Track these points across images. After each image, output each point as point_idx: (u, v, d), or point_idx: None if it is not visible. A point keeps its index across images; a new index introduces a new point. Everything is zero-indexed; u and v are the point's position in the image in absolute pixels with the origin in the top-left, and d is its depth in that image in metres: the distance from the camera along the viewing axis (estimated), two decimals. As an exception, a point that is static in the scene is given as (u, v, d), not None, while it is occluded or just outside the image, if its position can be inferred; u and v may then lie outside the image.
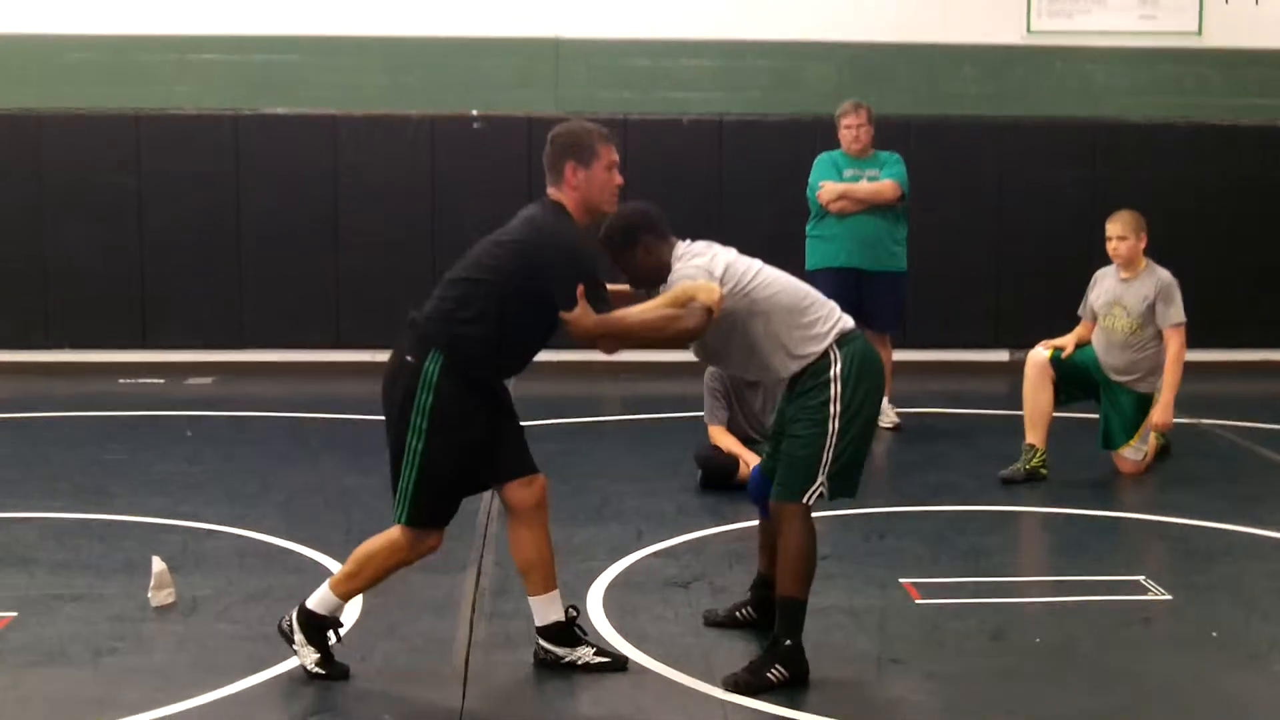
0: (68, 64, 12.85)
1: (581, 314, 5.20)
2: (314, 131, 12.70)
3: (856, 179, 10.07)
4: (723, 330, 5.54)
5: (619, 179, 5.44)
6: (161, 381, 12.39)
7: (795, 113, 12.77)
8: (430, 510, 5.42)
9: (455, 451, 5.36)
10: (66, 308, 12.81)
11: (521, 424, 5.66)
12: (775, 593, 5.59)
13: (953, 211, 12.81)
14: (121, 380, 12.37)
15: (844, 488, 5.59)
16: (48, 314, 12.81)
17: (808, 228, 10.24)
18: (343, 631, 5.65)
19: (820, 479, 5.48)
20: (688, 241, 5.70)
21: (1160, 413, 8.83)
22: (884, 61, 13.12)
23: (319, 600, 5.56)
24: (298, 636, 5.54)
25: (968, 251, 12.88)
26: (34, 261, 12.74)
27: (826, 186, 10.04)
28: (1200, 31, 13.32)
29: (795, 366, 5.56)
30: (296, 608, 5.60)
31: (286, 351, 12.92)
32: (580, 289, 5.16)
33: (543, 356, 12.63)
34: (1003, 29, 13.21)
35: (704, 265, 5.52)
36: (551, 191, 5.43)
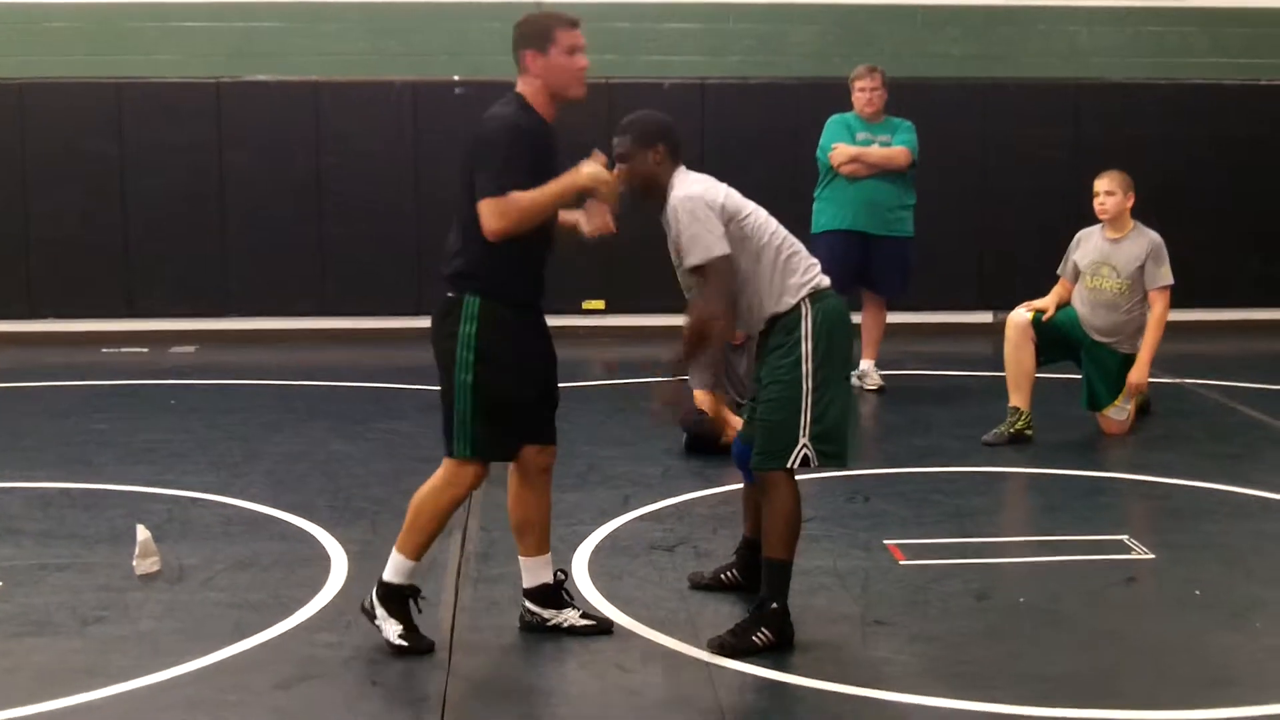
0: (50, 32, 12.79)
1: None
2: (297, 98, 12.66)
3: (868, 143, 10.06)
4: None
5: (582, 61, 5.39)
6: (145, 350, 12.36)
7: (778, 76, 12.75)
8: (489, 441, 5.41)
9: (505, 378, 5.36)
10: (50, 277, 12.78)
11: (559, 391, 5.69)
12: (761, 555, 5.60)
13: (936, 173, 12.74)
14: (105, 349, 12.34)
15: (833, 453, 5.58)
16: (31, 283, 12.77)
17: (816, 190, 10.23)
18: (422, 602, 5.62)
19: (801, 441, 5.48)
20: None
21: (1137, 372, 8.85)
22: (867, 24, 13.10)
23: (393, 568, 5.54)
24: (379, 611, 5.51)
25: (951, 213, 12.86)
26: (17, 230, 12.70)
27: (839, 149, 10.02)
28: (1183, -10, 13.34)
29: (770, 310, 5.54)
30: (375, 584, 5.58)
31: (272, 319, 12.90)
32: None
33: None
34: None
35: (703, 194, 5.50)
36: (518, 84, 5.41)
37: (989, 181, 13.09)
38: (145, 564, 6.39)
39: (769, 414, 5.54)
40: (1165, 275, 8.82)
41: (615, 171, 5.46)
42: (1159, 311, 8.81)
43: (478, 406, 5.35)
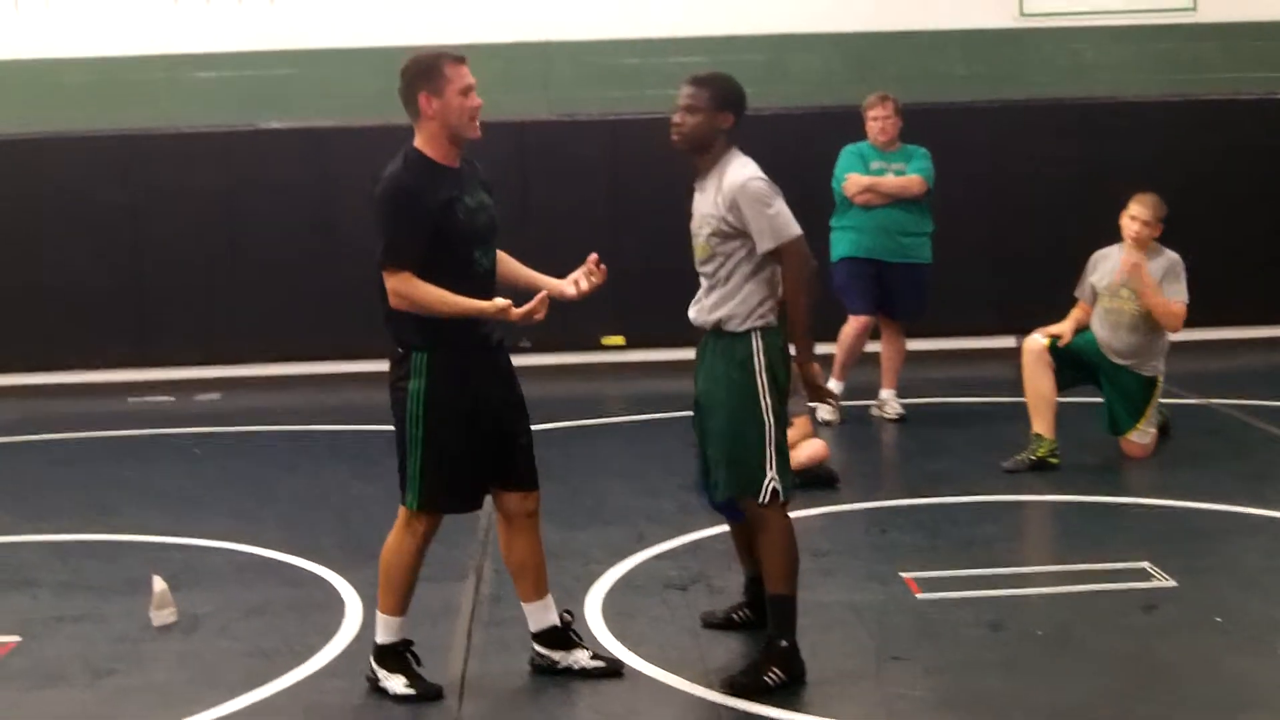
0: (62, 86, 12.83)
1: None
2: (307, 144, 12.69)
3: (883, 172, 10.04)
4: (732, 244, 5.50)
5: (476, 101, 5.33)
6: (171, 399, 12.38)
7: (785, 105, 12.72)
8: (439, 494, 5.40)
9: (456, 431, 5.34)
10: (70, 329, 12.79)
11: (531, 431, 5.64)
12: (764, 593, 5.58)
13: (948, 197, 12.69)
14: (130, 399, 12.36)
15: (789, 485, 5.54)
16: (51, 336, 12.80)
17: (832, 220, 10.20)
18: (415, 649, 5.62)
19: (770, 474, 5.45)
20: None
21: (1146, 281, 8.67)
22: (872, 49, 13.06)
23: (381, 629, 5.56)
24: (379, 673, 5.52)
25: (965, 237, 12.77)
26: (35, 283, 12.72)
27: (852, 179, 10.00)
28: (1194, 6, 13.25)
29: (730, 315, 5.49)
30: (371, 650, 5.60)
31: (293, 364, 12.90)
32: None
33: (542, 359, 12.60)
34: (994, 12, 13.15)
35: (767, 179, 5.49)
36: (416, 133, 5.35)
37: (1002, 204, 13.01)
38: (162, 615, 6.39)
39: (732, 448, 5.51)
40: (1179, 292, 8.75)
41: (536, 305, 5.24)
42: (1175, 311, 8.70)
43: (427, 459, 5.35)
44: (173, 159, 12.72)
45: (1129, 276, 8.70)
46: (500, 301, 5.19)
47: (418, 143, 5.35)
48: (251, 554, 7.45)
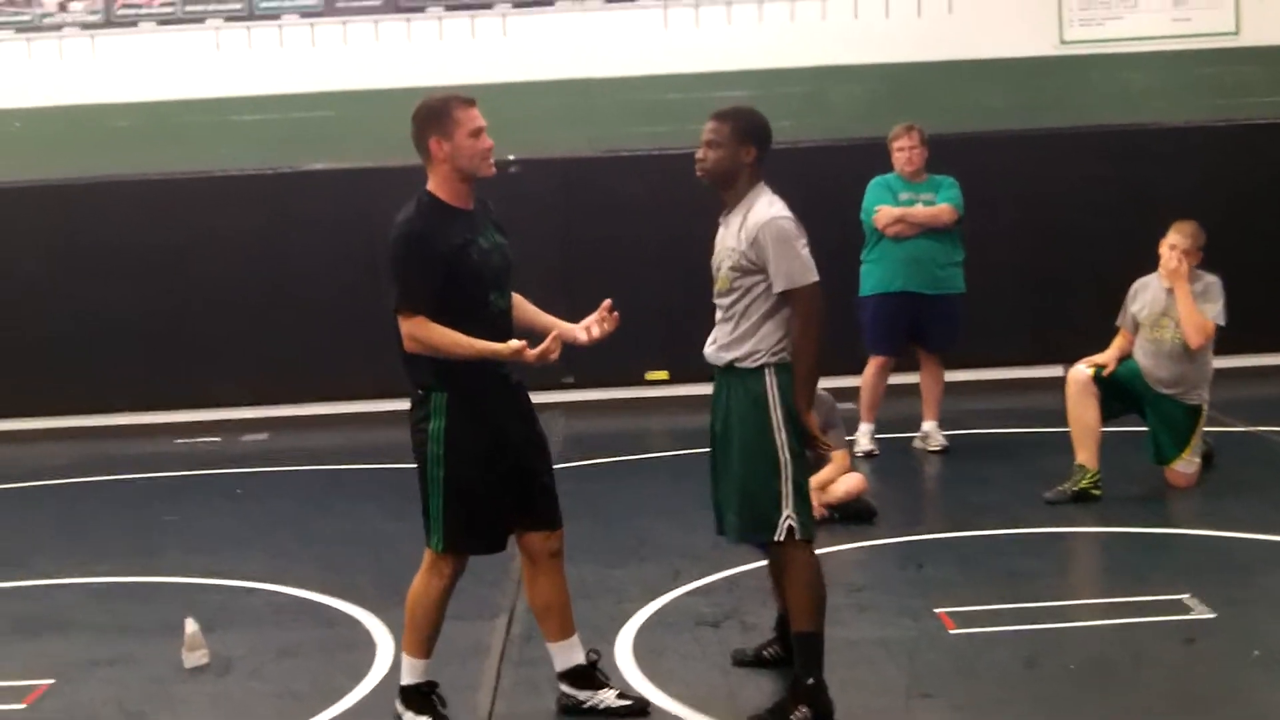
0: (111, 131, 12.97)
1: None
2: (348, 184, 12.73)
3: (912, 203, 9.99)
4: (751, 281, 5.46)
5: (488, 142, 5.35)
6: (218, 439, 12.46)
7: (828, 137, 12.71)
8: (462, 535, 5.40)
9: (476, 472, 5.34)
10: (119, 371, 12.90)
11: (553, 470, 5.65)
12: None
13: (993, 227, 12.66)
14: (178, 440, 12.45)
15: (807, 523, 5.48)
16: (101, 378, 12.89)
17: (863, 253, 10.17)
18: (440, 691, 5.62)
19: (785, 512, 5.41)
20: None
21: (1179, 281, 8.63)
22: (915, 80, 13.01)
23: (406, 671, 5.57)
24: (405, 715, 5.52)
25: (1010, 266, 12.72)
26: (86, 327, 12.84)
27: (882, 211, 9.96)
28: (1238, 30, 13.14)
29: (748, 352, 5.46)
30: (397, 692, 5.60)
31: (340, 404, 12.94)
32: None
33: (590, 394, 12.63)
34: (1034, 41, 13.07)
35: (792, 218, 5.45)
36: (429, 177, 5.39)
37: (1047, 232, 12.92)
38: (194, 657, 6.41)
39: (745, 486, 5.48)
40: (1211, 310, 8.64)
41: (550, 345, 5.27)
42: (1202, 323, 8.60)
43: (449, 500, 5.35)
44: (217, 201, 12.81)
45: (1169, 277, 8.66)
46: (515, 343, 5.19)
47: (430, 185, 5.39)
48: (288, 594, 7.48)
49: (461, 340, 5.20)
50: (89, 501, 10.31)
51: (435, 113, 5.33)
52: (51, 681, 6.26)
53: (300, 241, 12.85)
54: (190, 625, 6.47)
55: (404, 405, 11.43)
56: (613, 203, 12.76)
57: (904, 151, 10.03)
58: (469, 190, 5.40)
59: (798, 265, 5.38)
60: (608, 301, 5.58)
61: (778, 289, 5.38)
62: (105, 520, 9.59)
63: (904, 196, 10.00)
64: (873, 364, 10.13)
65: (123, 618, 7.23)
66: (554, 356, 5.20)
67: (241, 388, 12.96)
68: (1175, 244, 8.70)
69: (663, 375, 12.88)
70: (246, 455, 11.66)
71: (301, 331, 12.90)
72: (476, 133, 5.32)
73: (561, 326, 5.57)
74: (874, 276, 10.07)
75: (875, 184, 10.10)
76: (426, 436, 5.34)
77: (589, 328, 5.56)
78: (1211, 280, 8.75)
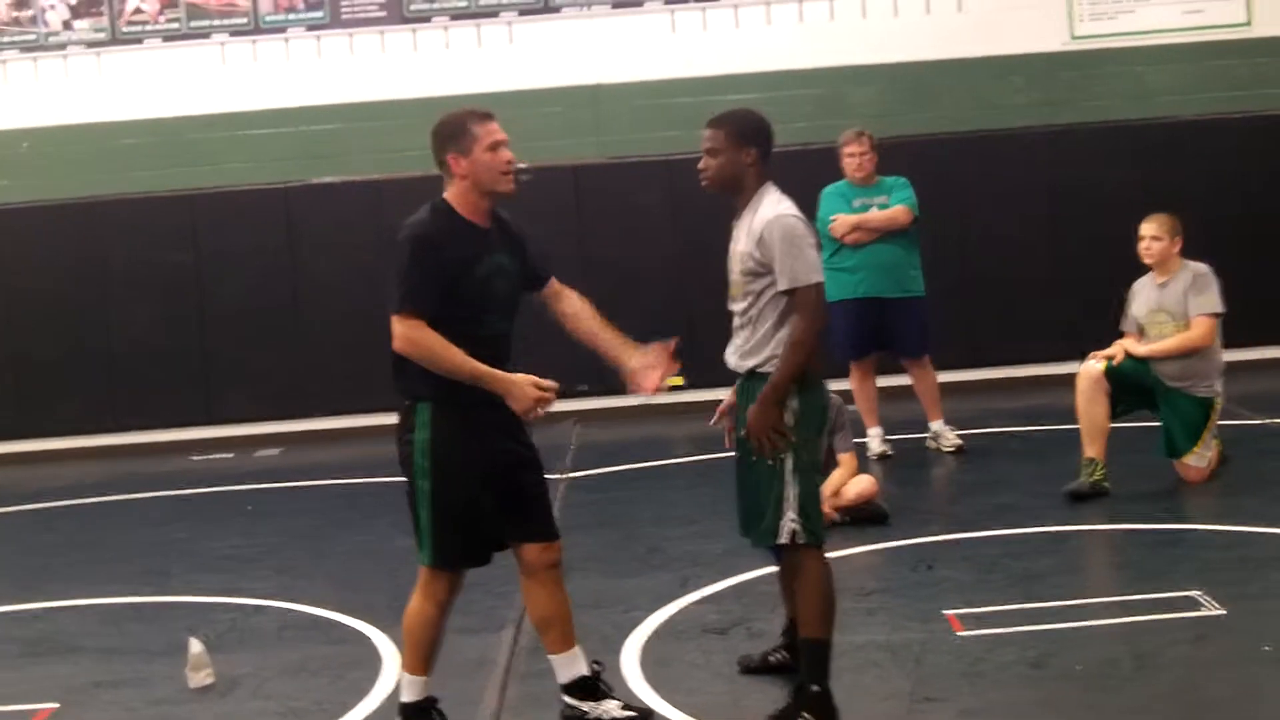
0: (123, 149, 13.02)
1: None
2: (362, 197, 12.75)
3: (866, 208, 9.95)
4: (762, 282, 5.40)
5: (507, 155, 5.30)
6: (231, 455, 12.46)
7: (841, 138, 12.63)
8: (451, 548, 5.35)
9: (463, 484, 5.29)
10: (134, 388, 12.93)
11: (546, 482, 5.59)
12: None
13: (1009, 224, 12.63)
14: (193, 457, 12.45)
15: (814, 529, 5.41)
16: (116, 396, 12.93)
17: (823, 260, 10.08)
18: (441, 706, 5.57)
19: (788, 515, 5.34)
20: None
21: (1137, 348, 8.70)
22: (928, 79, 12.97)
23: (406, 688, 5.52)
24: None
25: (1026, 263, 12.67)
26: (100, 344, 12.89)
27: (839, 219, 9.92)
28: (1250, 21, 13.05)
29: (766, 369, 5.39)
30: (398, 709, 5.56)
31: (352, 417, 12.93)
32: None
33: (604, 402, 12.59)
34: (1045, 37, 13.02)
35: (799, 216, 5.39)
36: (445, 189, 5.36)
37: (1063, 229, 12.86)
38: (198, 677, 6.37)
39: (758, 491, 5.43)
40: (1205, 304, 8.61)
41: (546, 395, 5.22)
42: (1194, 333, 8.58)
43: (436, 513, 5.30)
44: (227, 217, 12.87)
45: (1155, 266, 8.78)
46: (514, 378, 5.13)
47: (447, 195, 5.35)
48: (297, 612, 7.44)
49: (456, 355, 5.14)
50: (101, 521, 10.33)
51: (452, 129, 5.30)
52: (56, 706, 6.23)
53: (311, 255, 12.86)
54: (195, 645, 6.44)
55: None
56: (624, 209, 12.74)
57: (854, 158, 10.01)
58: (487, 208, 5.36)
59: (802, 264, 5.32)
60: (675, 339, 5.61)
61: (781, 287, 5.32)
62: (116, 540, 9.59)
63: (858, 203, 9.98)
64: (853, 371, 10.09)
65: (130, 639, 7.21)
66: (540, 414, 5.14)
67: (256, 403, 12.97)
68: (1145, 233, 8.78)
69: (677, 381, 12.77)
70: (258, 472, 11.66)
71: (316, 345, 12.90)
72: (495, 146, 5.28)
73: (619, 352, 5.59)
74: (836, 284, 9.93)
75: (827, 193, 10.07)
76: (413, 449, 5.30)
77: (651, 381, 5.57)
78: (1201, 270, 8.71)
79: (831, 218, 9.93)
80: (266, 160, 12.96)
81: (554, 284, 5.68)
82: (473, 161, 5.26)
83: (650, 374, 5.58)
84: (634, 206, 12.73)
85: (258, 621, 7.36)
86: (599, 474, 10.41)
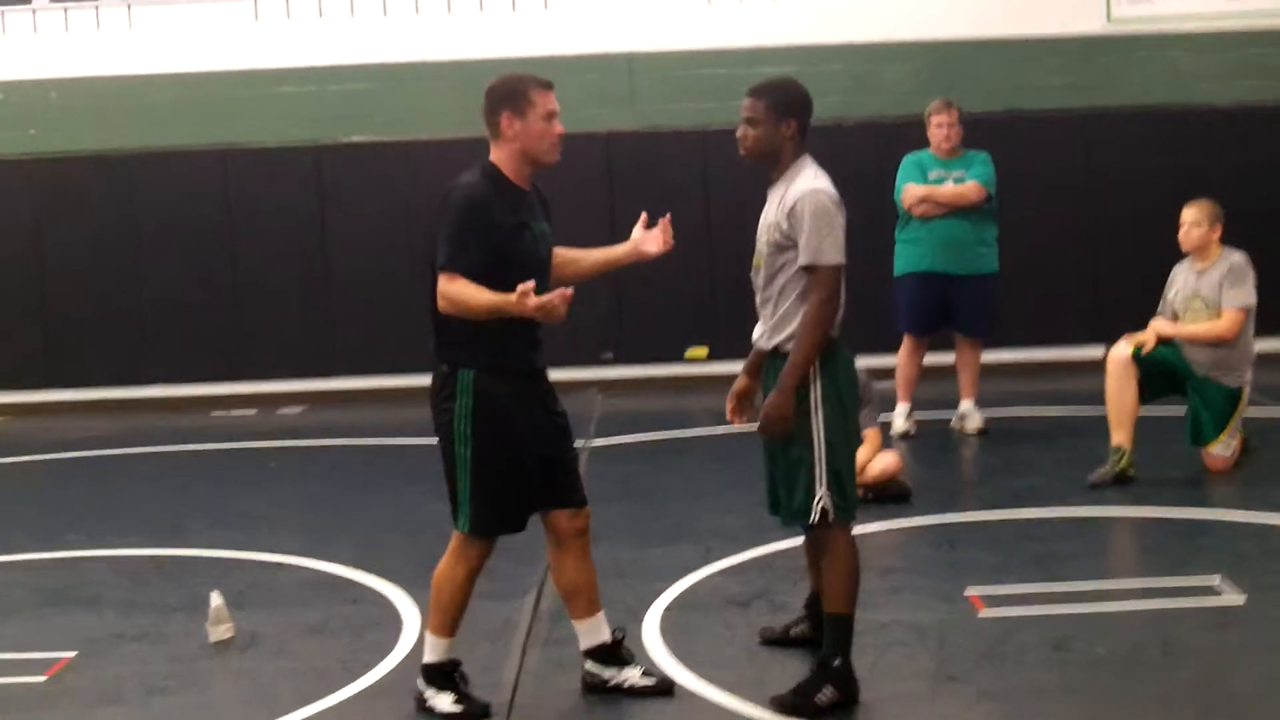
0: (156, 105, 12.99)
1: None
2: (393, 158, 12.74)
3: (942, 180, 9.88)
4: (787, 255, 5.36)
5: (559, 128, 5.30)
6: (254, 412, 12.47)
7: (875, 115, 12.60)
8: (490, 515, 5.35)
9: (503, 451, 5.28)
10: (162, 343, 12.94)
11: (577, 450, 5.60)
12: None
13: (1040, 207, 12.55)
14: (214, 413, 12.46)
15: (846, 506, 5.38)
16: (144, 350, 12.93)
17: (895, 232, 10.08)
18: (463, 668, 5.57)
19: (819, 492, 5.31)
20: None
21: (1165, 327, 8.68)
22: (963, 58, 12.90)
23: (429, 649, 5.51)
24: (428, 692, 5.46)
25: (1055, 246, 12.61)
26: (130, 299, 12.89)
27: (909, 190, 9.87)
28: (1287, 8, 12.97)
29: (793, 346, 5.33)
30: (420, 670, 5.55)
31: (376, 377, 12.93)
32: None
33: (629, 371, 12.56)
34: (1083, 19, 12.93)
35: (834, 193, 5.33)
36: (492, 149, 5.34)
37: (1093, 213, 12.79)
38: (219, 631, 6.38)
39: (788, 468, 5.39)
40: (1237, 297, 8.55)
41: (558, 295, 5.13)
42: (1221, 325, 8.54)
43: (475, 480, 5.29)
44: (256, 174, 12.86)
45: (1194, 252, 8.74)
46: (521, 289, 5.05)
47: (494, 158, 5.33)
48: (318, 570, 7.45)
49: (483, 294, 5.10)
50: (122, 474, 10.34)
51: (512, 90, 5.28)
52: (74, 655, 6.24)
53: (343, 214, 12.86)
54: (215, 598, 6.44)
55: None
56: (656, 179, 12.68)
57: (941, 128, 9.92)
58: (530, 174, 5.35)
59: (828, 243, 5.27)
60: (668, 215, 5.66)
61: (802, 261, 5.27)
62: (137, 493, 9.60)
63: (934, 175, 9.89)
64: (905, 343, 10.06)
65: (150, 592, 7.21)
66: (560, 314, 5.07)
67: (281, 361, 12.97)
68: (1186, 219, 8.72)
69: (702, 352, 12.81)
70: (283, 429, 11.67)
71: (341, 305, 12.90)
72: (549, 117, 5.27)
73: (621, 249, 5.69)
74: (905, 257, 9.99)
75: (906, 161, 10.01)
76: (453, 415, 5.28)
77: (654, 241, 5.64)
78: (1238, 261, 8.65)
79: (904, 187, 9.87)
80: (298, 119, 12.92)
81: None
82: (526, 127, 5.24)
83: (650, 238, 5.65)
84: (665, 177, 12.67)
85: (279, 579, 7.37)
86: (621, 443, 10.39)
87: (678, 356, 12.77)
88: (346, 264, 12.90)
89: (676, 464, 9.79)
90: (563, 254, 5.64)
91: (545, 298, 5.05)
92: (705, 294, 12.58)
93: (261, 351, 13.01)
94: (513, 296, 5.06)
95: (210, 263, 12.91)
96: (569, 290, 5.10)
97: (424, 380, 12.01)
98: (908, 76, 12.88)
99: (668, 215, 5.64)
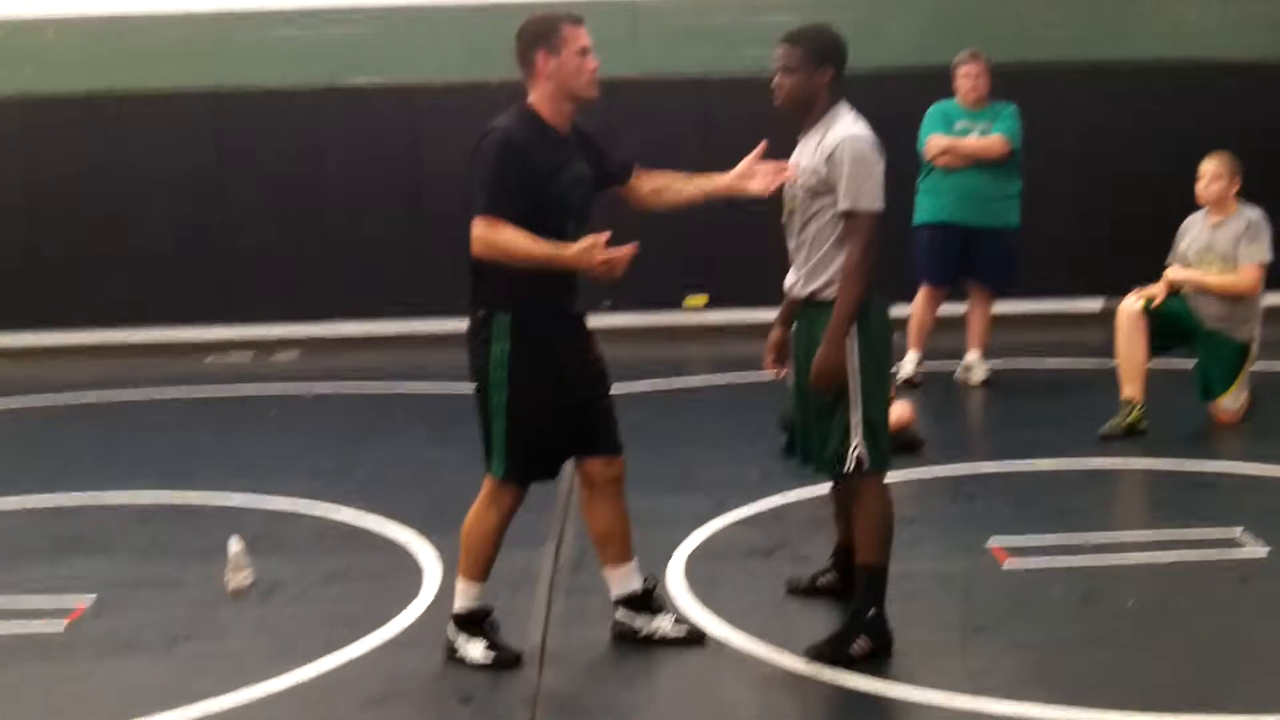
0: (147, 44, 12.82)
1: None
2: (393, 103, 12.62)
3: (967, 132, 9.81)
4: (823, 201, 5.32)
5: (594, 62, 5.25)
6: (249, 358, 12.39)
7: (878, 66, 12.48)
8: (524, 461, 5.31)
9: (540, 397, 5.25)
10: (153, 286, 12.81)
11: (612, 396, 5.56)
12: (855, 561, 5.44)
13: (1041, 159, 12.45)
14: (209, 359, 12.36)
15: (880, 455, 5.36)
16: (135, 293, 12.81)
17: (918, 181, 10.03)
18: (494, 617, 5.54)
19: (854, 441, 5.28)
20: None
21: (1181, 273, 8.67)
22: (966, 9, 12.82)
23: (460, 596, 5.48)
24: (459, 639, 5.43)
25: (1058, 199, 12.54)
26: (120, 241, 12.75)
27: (931, 140, 9.80)
28: (1296, -37, 12.90)
29: (829, 295, 5.30)
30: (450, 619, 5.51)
31: (372, 323, 12.85)
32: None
33: (629, 319, 12.50)
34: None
35: (873, 140, 5.30)
36: (530, 91, 5.28)
37: (1096, 166, 12.76)
38: (238, 578, 6.33)
39: (820, 418, 5.37)
40: (1256, 253, 8.54)
41: (611, 255, 5.07)
42: (1241, 280, 8.53)
43: (511, 426, 5.25)
44: (255, 117, 12.71)
45: (1212, 207, 8.69)
46: (583, 244, 5.03)
47: (532, 100, 5.28)
48: (330, 519, 7.39)
49: (531, 244, 5.05)
50: (122, 419, 10.23)
51: (544, 28, 5.23)
52: (93, 596, 6.20)
53: (341, 158, 12.75)
54: (235, 544, 6.40)
55: (443, 327, 11.30)
56: (658, 127, 12.58)
57: (968, 79, 9.86)
58: (569, 113, 5.29)
59: (868, 188, 5.24)
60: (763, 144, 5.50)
61: (841, 207, 5.23)
62: (137, 439, 9.49)
63: (959, 125, 9.82)
64: (921, 293, 10.02)
65: (163, 539, 7.15)
66: (619, 270, 5.03)
67: (275, 305, 12.87)
68: (1204, 171, 8.67)
69: (701, 301, 12.76)
70: (279, 374, 11.58)
71: (337, 251, 12.81)
72: (583, 51, 5.23)
73: (719, 181, 5.53)
74: (925, 207, 9.94)
75: (932, 111, 9.93)
76: (488, 360, 5.23)
77: (759, 182, 5.45)
78: (1255, 217, 8.63)
79: (928, 137, 9.82)
80: (297, 61, 12.77)
81: (638, 171, 5.61)
82: (561, 63, 5.19)
83: (759, 174, 5.46)
84: (666, 125, 12.57)
85: (292, 526, 7.30)
86: (623, 393, 10.29)
87: (677, 305, 12.71)
88: (342, 208, 12.79)
89: (677, 414, 9.75)
90: (655, 179, 5.60)
91: (611, 253, 5.01)
92: (705, 242, 12.51)
93: (256, 296, 12.90)
94: (570, 248, 5.02)
95: (205, 204, 12.74)
96: (634, 246, 5.04)
97: (420, 325, 12.02)
98: (911, 27, 12.80)
99: (787, 161, 5.48)
